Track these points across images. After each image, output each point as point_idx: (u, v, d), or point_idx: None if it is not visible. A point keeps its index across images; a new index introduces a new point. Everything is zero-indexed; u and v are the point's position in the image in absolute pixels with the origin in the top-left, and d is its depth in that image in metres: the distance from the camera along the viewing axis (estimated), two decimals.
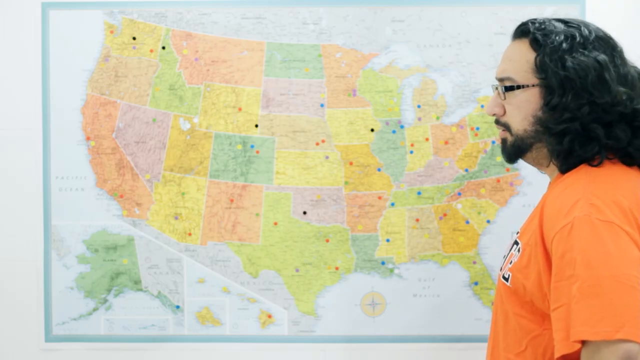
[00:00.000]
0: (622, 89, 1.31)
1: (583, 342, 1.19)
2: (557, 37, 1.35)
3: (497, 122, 1.45)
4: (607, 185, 1.29)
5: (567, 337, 1.20)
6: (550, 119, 1.35)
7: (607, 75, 1.31)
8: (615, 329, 1.16)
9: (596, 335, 1.17)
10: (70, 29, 2.02)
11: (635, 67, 1.38)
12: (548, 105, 1.36)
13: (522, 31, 1.41)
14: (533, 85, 1.37)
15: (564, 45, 1.34)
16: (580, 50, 1.33)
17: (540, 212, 1.34)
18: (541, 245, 1.30)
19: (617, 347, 1.15)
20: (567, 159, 1.35)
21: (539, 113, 1.37)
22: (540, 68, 1.36)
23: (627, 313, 1.16)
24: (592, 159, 1.33)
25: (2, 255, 2.05)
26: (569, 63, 1.32)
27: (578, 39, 1.34)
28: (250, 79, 2.01)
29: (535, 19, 1.41)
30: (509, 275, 1.37)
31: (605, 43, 1.35)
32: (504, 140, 1.45)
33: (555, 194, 1.33)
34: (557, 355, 1.23)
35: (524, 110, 1.39)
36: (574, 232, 1.23)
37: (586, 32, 1.35)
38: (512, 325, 1.38)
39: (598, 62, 1.31)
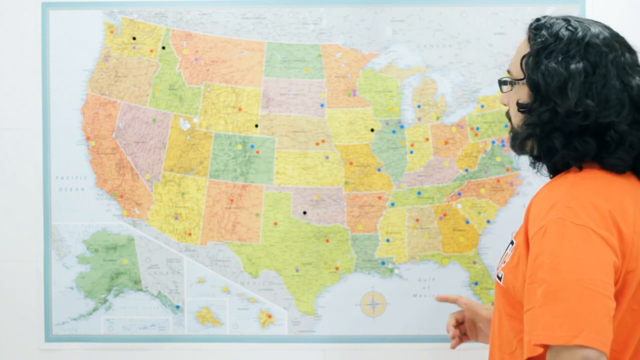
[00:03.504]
0: (587, 101, 1.27)
1: (548, 346, 1.19)
2: (544, 38, 1.33)
3: (507, 113, 1.46)
4: (590, 188, 1.27)
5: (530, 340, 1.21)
6: (522, 119, 1.36)
7: (569, 85, 1.28)
8: (574, 335, 1.15)
9: (555, 340, 1.16)
10: (70, 29, 2.02)
11: (630, 83, 1.30)
12: (517, 104, 1.36)
13: (529, 26, 1.40)
14: (522, 82, 1.36)
15: (547, 47, 1.32)
16: (561, 55, 1.30)
17: (527, 212, 1.33)
18: (526, 246, 1.29)
19: (575, 352, 1.15)
20: (550, 160, 1.35)
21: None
22: (525, 67, 1.35)
23: (588, 318, 1.16)
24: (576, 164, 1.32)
25: (2, 255, 2.05)
26: (542, 67, 1.31)
27: (563, 43, 1.31)
28: (250, 79, 2.01)
29: (545, 16, 1.39)
30: (502, 275, 1.37)
31: (597, 51, 1.30)
32: (510, 131, 1.45)
33: (541, 195, 1.33)
34: (524, 357, 1.23)
35: (514, 104, 1.39)
36: (546, 234, 1.22)
37: (579, 35, 1.31)
38: (504, 324, 1.37)
39: (568, 70, 1.28)
